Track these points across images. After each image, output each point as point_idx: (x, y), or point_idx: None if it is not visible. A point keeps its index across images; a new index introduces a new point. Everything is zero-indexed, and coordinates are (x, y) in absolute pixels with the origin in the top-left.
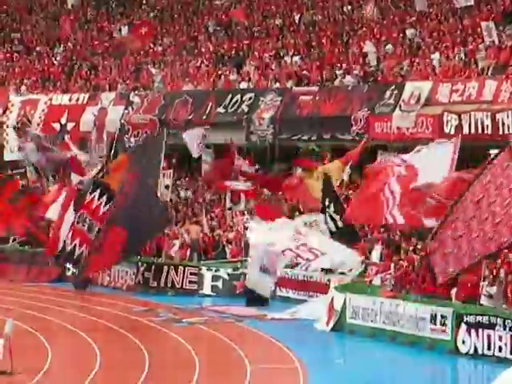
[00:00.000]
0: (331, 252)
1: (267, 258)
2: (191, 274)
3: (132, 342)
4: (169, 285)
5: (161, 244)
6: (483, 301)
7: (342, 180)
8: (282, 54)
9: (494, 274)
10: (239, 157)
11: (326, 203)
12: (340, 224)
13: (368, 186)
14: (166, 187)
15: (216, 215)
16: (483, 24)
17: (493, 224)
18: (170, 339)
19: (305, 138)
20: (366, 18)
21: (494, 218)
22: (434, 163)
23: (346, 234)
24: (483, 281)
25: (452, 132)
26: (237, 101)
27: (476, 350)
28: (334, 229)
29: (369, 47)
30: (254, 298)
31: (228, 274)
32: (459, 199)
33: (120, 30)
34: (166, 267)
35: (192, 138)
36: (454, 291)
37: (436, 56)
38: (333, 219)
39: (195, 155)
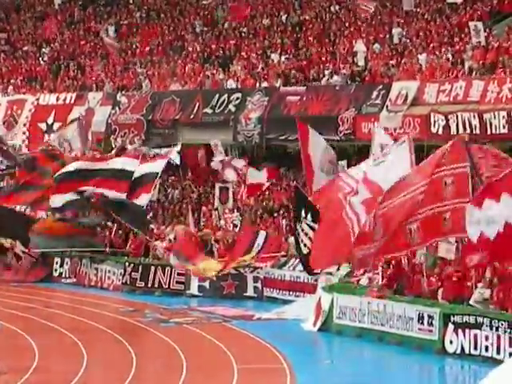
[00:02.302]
0: None
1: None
2: (178, 274)
3: (119, 342)
4: (156, 285)
5: (148, 244)
6: (473, 303)
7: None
8: (269, 54)
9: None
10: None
11: (302, 214)
12: None
13: (326, 220)
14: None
15: (203, 215)
16: (471, 24)
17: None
18: (156, 339)
19: (292, 138)
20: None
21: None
22: (394, 171)
23: None
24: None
25: (440, 132)
26: (224, 101)
27: (463, 349)
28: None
29: (359, 46)
30: None
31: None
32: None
33: (107, 30)
34: (153, 267)
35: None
36: (440, 291)
37: (423, 56)
38: (312, 228)
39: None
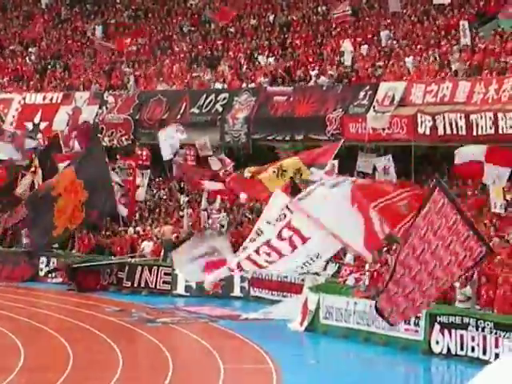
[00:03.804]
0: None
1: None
2: (165, 274)
3: (105, 341)
4: (142, 285)
5: (135, 244)
6: (458, 303)
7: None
8: (256, 55)
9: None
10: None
11: None
12: None
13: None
14: (142, 186)
15: (190, 215)
16: (462, 23)
17: (443, 267)
18: (143, 339)
19: (279, 138)
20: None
21: (442, 262)
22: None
23: None
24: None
25: (427, 133)
26: (211, 101)
27: (449, 350)
28: None
29: (346, 47)
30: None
31: None
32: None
33: (94, 29)
34: (139, 267)
35: (164, 139)
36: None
37: (410, 57)
38: None
39: (166, 158)
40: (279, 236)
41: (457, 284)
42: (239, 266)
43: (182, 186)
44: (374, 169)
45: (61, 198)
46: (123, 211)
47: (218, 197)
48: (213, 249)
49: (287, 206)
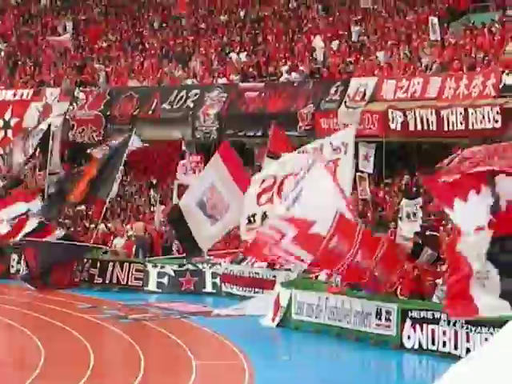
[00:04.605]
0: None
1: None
2: (136, 270)
3: (77, 338)
4: (114, 281)
5: (106, 241)
6: (435, 299)
7: None
8: (227, 51)
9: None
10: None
11: None
12: None
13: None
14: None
15: (162, 211)
16: (431, 19)
17: None
18: (115, 336)
19: (251, 134)
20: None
21: None
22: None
23: None
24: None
25: (398, 128)
26: (182, 97)
27: (420, 345)
28: None
29: (317, 42)
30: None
31: (174, 271)
32: None
33: (65, 26)
34: (111, 264)
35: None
36: (398, 288)
37: (381, 54)
38: None
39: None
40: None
41: (439, 281)
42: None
43: (153, 182)
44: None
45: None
46: None
47: None
48: None
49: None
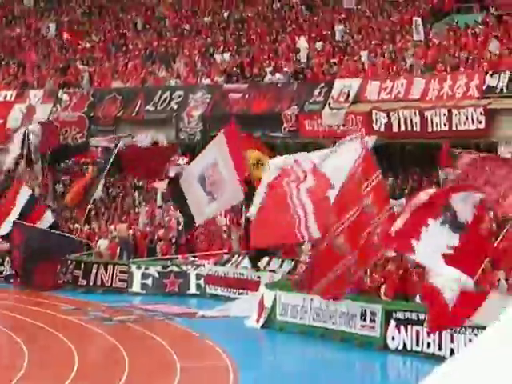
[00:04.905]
0: None
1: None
2: (120, 272)
3: (61, 340)
4: (98, 283)
5: (91, 241)
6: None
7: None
8: (211, 52)
9: None
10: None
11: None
12: None
13: (270, 202)
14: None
15: (146, 212)
16: (414, 19)
17: None
18: (99, 338)
19: None
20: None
21: None
22: (342, 166)
23: None
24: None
25: (382, 129)
26: (166, 98)
27: (405, 346)
28: None
29: (301, 43)
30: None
31: (158, 272)
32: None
33: (48, 27)
34: (95, 265)
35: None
36: (383, 288)
37: (365, 54)
38: None
39: None
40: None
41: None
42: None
43: (137, 183)
44: None
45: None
46: None
47: None
48: None
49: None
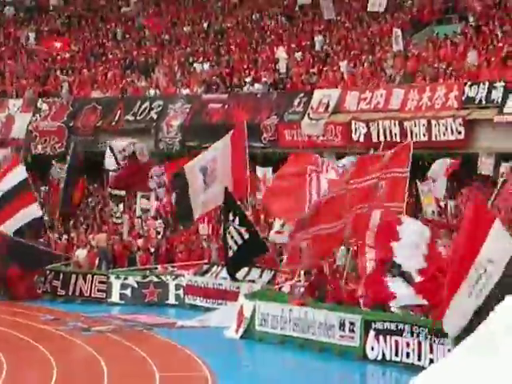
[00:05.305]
0: None
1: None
2: (99, 282)
3: (39, 351)
4: (77, 293)
5: (69, 252)
6: (394, 308)
7: None
8: (191, 61)
9: None
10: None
11: (230, 217)
12: (246, 236)
13: (290, 175)
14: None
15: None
16: (394, 31)
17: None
18: (78, 348)
19: None
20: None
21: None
22: None
23: (253, 246)
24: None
25: (361, 140)
26: (146, 108)
27: (384, 356)
28: (240, 241)
29: (281, 53)
30: None
31: (137, 282)
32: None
33: (28, 36)
34: (74, 275)
35: (115, 149)
36: (362, 299)
37: (344, 64)
38: (239, 233)
39: (110, 167)
40: None
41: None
42: None
43: (117, 193)
44: None
45: None
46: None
47: (154, 204)
48: None
49: None
